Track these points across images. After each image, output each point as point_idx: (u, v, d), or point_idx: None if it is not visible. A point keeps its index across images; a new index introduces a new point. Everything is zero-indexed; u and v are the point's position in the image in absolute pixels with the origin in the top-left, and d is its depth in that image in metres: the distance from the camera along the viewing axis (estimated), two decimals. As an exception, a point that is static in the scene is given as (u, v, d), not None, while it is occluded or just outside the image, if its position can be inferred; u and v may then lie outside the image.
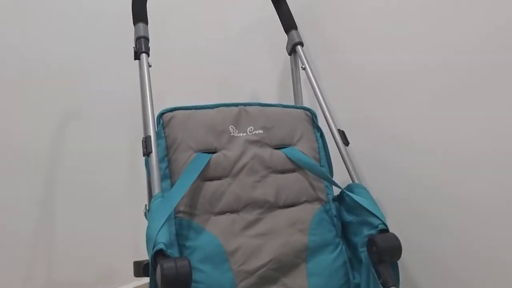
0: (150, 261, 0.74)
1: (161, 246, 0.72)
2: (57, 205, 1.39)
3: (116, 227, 1.51)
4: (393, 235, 0.84)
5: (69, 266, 1.41)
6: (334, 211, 0.96)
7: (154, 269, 0.73)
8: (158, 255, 0.72)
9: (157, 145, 0.90)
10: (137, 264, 0.88)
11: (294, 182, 0.96)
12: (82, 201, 1.43)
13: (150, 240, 0.74)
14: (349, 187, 0.95)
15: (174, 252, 0.75)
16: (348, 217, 0.95)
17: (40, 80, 1.27)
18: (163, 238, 0.74)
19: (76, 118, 1.38)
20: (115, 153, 1.48)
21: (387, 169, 1.07)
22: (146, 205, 0.91)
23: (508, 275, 0.85)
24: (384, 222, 0.86)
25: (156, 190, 0.83)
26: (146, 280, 1.67)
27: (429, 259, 1.00)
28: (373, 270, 0.84)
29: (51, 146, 1.35)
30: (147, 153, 0.87)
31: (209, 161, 0.91)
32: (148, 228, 0.77)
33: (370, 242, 0.85)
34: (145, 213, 0.88)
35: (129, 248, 1.54)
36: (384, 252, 0.82)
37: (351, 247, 0.93)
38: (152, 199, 0.82)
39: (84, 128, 1.39)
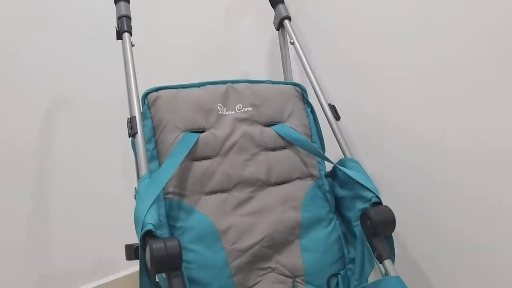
0: (139, 243, 0.72)
1: (149, 227, 0.71)
2: (50, 195, 1.36)
3: (111, 215, 1.49)
4: (387, 207, 0.83)
5: (64, 255, 1.40)
6: (327, 187, 0.95)
7: (144, 251, 0.71)
8: (147, 236, 0.71)
9: (143, 125, 0.87)
10: (128, 248, 0.86)
11: (286, 159, 0.94)
12: (75, 190, 1.41)
13: (138, 221, 0.73)
14: (341, 162, 0.94)
15: (164, 233, 0.73)
16: (341, 192, 0.93)
17: (27, 69, 1.24)
18: (151, 219, 0.72)
19: (66, 107, 1.35)
20: (108, 142, 1.46)
21: (377, 143, 1.06)
22: (135, 188, 0.89)
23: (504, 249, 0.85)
24: (377, 195, 0.85)
25: (144, 171, 0.81)
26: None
27: (424, 235, 0.99)
28: (368, 244, 0.83)
29: (42, 136, 1.32)
30: (132, 134, 0.85)
31: (197, 141, 0.88)
32: (136, 209, 0.75)
33: (364, 216, 0.84)
34: (135, 196, 0.86)
35: (124, 236, 1.53)
36: (378, 225, 0.81)
37: (345, 222, 0.92)
38: (139, 180, 0.80)
39: (75, 117, 1.36)
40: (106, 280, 1.50)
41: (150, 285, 0.74)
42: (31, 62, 1.22)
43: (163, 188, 0.84)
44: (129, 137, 0.86)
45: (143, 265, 0.73)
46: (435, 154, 0.94)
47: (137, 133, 0.84)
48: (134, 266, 1.57)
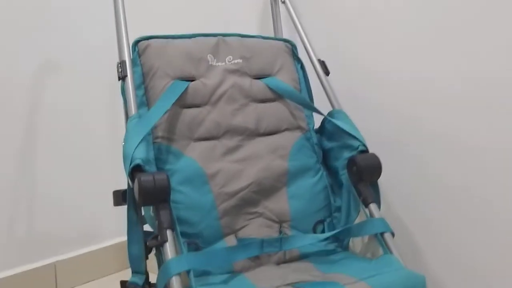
0: (127, 178, 0.72)
1: (138, 161, 0.71)
2: (38, 156, 1.36)
3: (99, 181, 1.49)
4: (373, 154, 0.85)
5: (51, 219, 1.39)
6: (315, 140, 0.96)
7: (132, 186, 0.72)
8: (135, 171, 0.71)
9: (133, 72, 0.87)
10: (116, 193, 0.87)
11: (275, 111, 0.95)
12: (63, 153, 1.40)
13: (127, 157, 0.73)
14: (330, 113, 0.95)
15: (152, 169, 0.74)
16: (329, 144, 0.95)
17: (16, 28, 1.22)
18: (140, 154, 0.72)
19: (55, 66, 1.34)
20: (96, 103, 1.45)
21: (364, 97, 1.08)
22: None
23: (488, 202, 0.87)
24: (364, 143, 0.87)
25: (133, 112, 0.81)
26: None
27: (406, 183, 1.01)
28: (354, 191, 0.85)
29: (30, 95, 1.31)
30: (122, 76, 0.85)
31: (187, 89, 0.89)
32: (124, 147, 0.75)
33: (351, 162, 0.86)
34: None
35: (111, 208, 1.52)
36: (364, 170, 0.83)
37: (332, 173, 0.94)
38: (129, 120, 0.80)
39: (64, 77, 1.35)
40: (90, 249, 1.49)
41: (137, 220, 0.74)
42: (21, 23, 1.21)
43: (152, 133, 0.85)
44: (119, 80, 0.86)
45: (130, 200, 0.74)
46: (422, 104, 0.96)
47: (126, 76, 0.84)
48: (120, 237, 1.57)
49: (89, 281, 1.47)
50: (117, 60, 0.89)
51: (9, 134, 1.29)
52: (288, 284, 0.68)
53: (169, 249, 0.66)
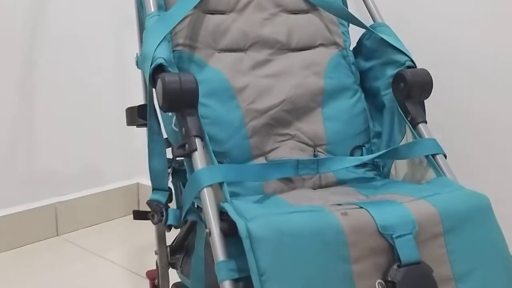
0: (148, 79, 0.62)
1: (160, 60, 0.61)
2: (38, 90, 1.27)
3: (104, 119, 1.40)
4: (424, 69, 0.75)
5: (52, 158, 1.32)
6: (352, 58, 0.86)
7: (154, 87, 0.62)
8: (158, 71, 0.61)
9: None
10: (130, 110, 0.77)
11: (308, 24, 0.84)
12: (64, 87, 1.31)
13: (147, 56, 0.63)
14: (372, 26, 0.84)
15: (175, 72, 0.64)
16: (368, 64, 0.84)
17: None
18: (162, 53, 0.62)
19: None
20: (100, 35, 1.35)
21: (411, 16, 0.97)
22: (137, 53, 0.78)
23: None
24: (411, 58, 0.77)
25: (152, 9, 0.70)
26: (136, 179, 1.57)
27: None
28: (399, 111, 0.75)
29: (29, 25, 1.20)
30: (138, -29, 0.73)
31: (210, -8, 0.77)
32: (144, 45, 0.65)
33: (398, 78, 0.75)
34: (136, 62, 0.75)
35: (117, 147, 1.45)
36: (414, 86, 0.73)
37: (371, 95, 0.84)
38: (148, 17, 0.69)
39: (65, 4, 1.24)
40: (93, 191, 1.43)
41: (159, 130, 0.65)
42: None
43: (171, 40, 0.74)
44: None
45: (151, 106, 0.64)
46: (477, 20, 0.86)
47: (143, -30, 0.73)
48: (125, 180, 1.50)
49: (91, 225, 1.40)
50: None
51: (8, 68, 1.19)
52: (333, 205, 0.59)
53: (198, 158, 0.57)
